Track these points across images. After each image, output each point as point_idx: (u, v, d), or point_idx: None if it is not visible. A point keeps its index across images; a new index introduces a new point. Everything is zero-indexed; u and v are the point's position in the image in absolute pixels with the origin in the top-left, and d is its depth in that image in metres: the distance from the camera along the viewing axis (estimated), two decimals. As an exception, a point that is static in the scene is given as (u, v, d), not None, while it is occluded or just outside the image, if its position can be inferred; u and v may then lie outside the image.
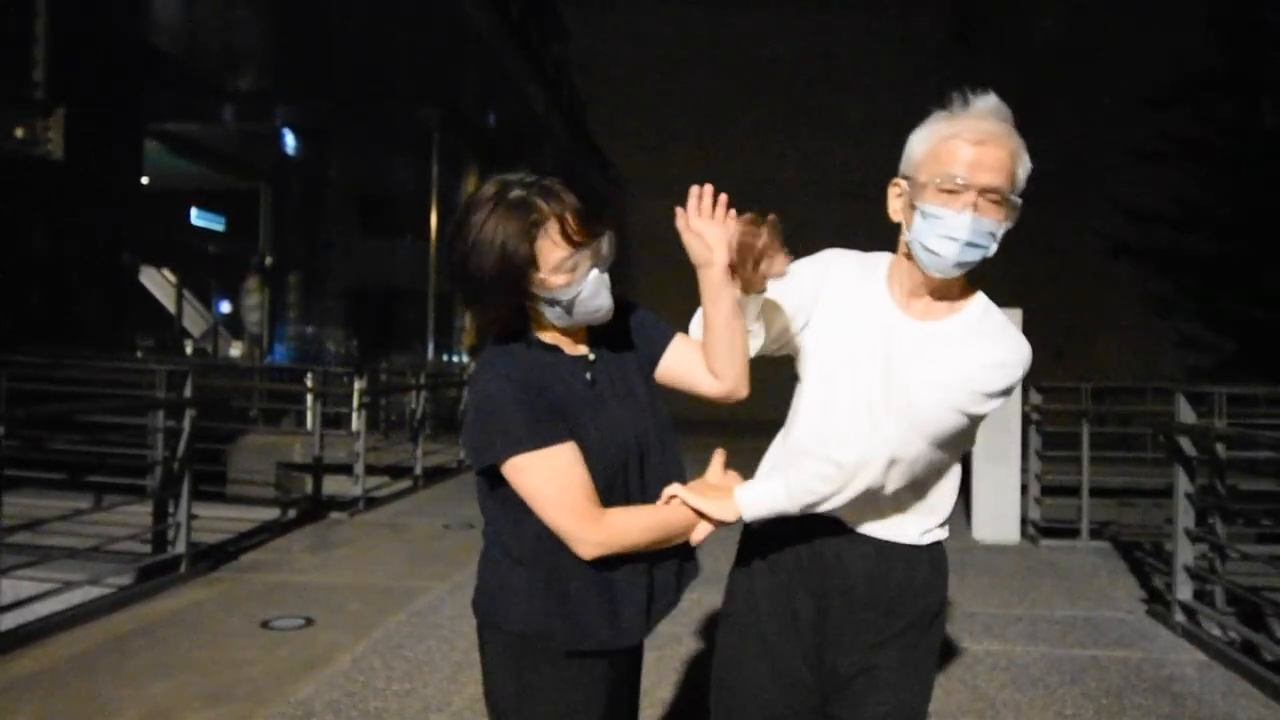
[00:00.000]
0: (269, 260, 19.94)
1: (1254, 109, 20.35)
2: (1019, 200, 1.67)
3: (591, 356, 1.72)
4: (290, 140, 19.83)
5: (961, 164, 1.62)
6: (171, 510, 5.51)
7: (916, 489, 1.74)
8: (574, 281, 1.58)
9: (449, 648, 4.34)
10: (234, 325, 21.17)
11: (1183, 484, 4.95)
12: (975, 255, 1.65)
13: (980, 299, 1.77)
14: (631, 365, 1.76)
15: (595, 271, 1.60)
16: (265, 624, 4.64)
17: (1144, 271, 22.06)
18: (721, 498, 1.70)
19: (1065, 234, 24.27)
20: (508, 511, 1.68)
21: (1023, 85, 25.84)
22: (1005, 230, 1.68)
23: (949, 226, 1.62)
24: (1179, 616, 4.83)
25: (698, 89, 27.48)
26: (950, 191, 1.62)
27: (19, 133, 10.03)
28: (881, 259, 1.81)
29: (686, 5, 28.00)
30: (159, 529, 5.52)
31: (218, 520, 6.50)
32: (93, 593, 4.85)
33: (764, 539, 1.86)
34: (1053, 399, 7.72)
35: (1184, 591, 4.88)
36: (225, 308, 21.54)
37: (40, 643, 4.21)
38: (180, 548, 5.41)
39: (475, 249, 1.57)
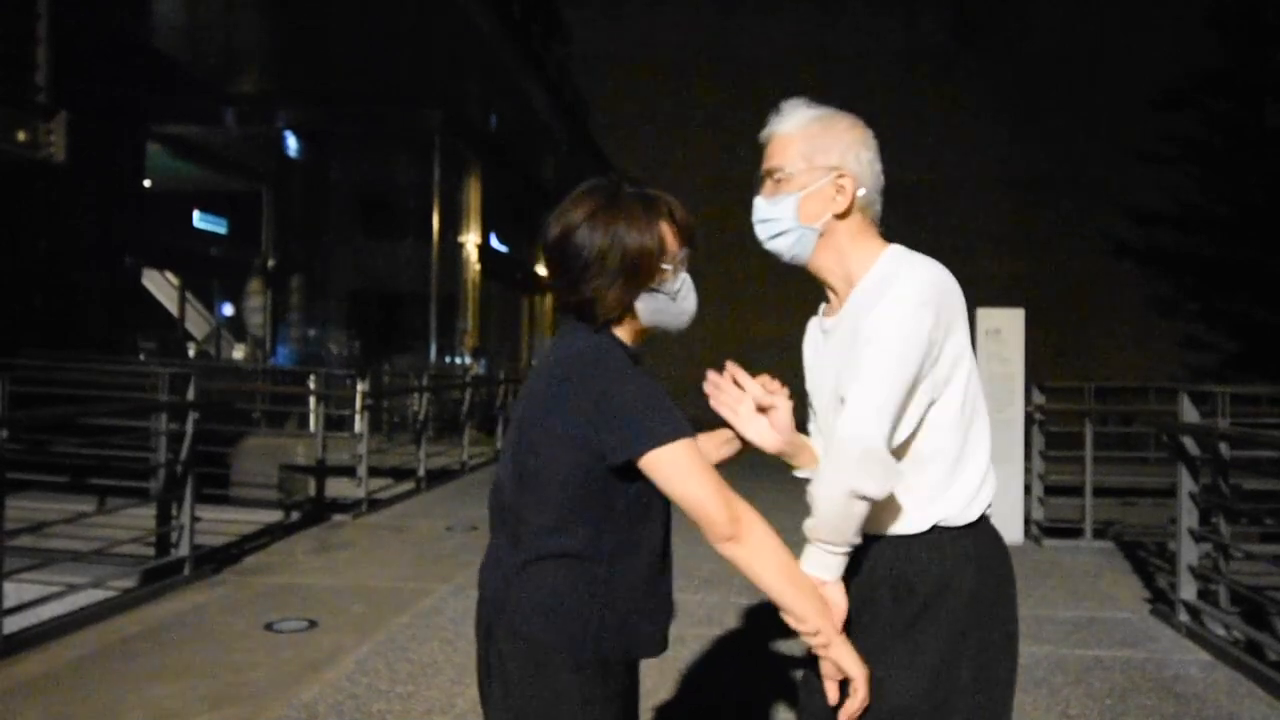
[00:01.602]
0: (271, 262, 19.96)
1: (1255, 109, 20.33)
2: (808, 169, 1.78)
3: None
4: (292, 142, 19.85)
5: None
6: (174, 513, 5.52)
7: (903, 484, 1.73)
8: (678, 278, 1.73)
9: (452, 649, 4.34)
10: (236, 328, 21.18)
11: (1186, 483, 4.95)
12: (774, 229, 1.81)
13: (871, 273, 1.79)
14: None
15: (687, 276, 1.76)
16: (268, 626, 4.64)
17: (1146, 271, 22.06)
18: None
19: (1067, 234, 24.29)
20: (588, 514, 1.64)
21: (1024, 86, 25.88)
22: (797, 197, 1.78)
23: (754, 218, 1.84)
24: (1183, 616, 4.82)
25: (699, 90, 27.49)
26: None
27: (21, 136, 10.03)
28: None
29: (688, 6, 28.01)
30: (162, 532, 5.52)
31: (221, 523, 6.51)
32: (96, 596, 4.86)
33: None
34: (1056, 399, 7.72)
35: (1188, 591, 4.87)
36: (228, 310, 21.55)
37: (44, 646, 4.21)
38: (183, 550, 5.42)
39: (616, 239, 1.66)
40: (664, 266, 1.69)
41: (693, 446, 1.59)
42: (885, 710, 1.68)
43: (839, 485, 1.64)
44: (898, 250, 1.79)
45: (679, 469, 1.58)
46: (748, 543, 1.61)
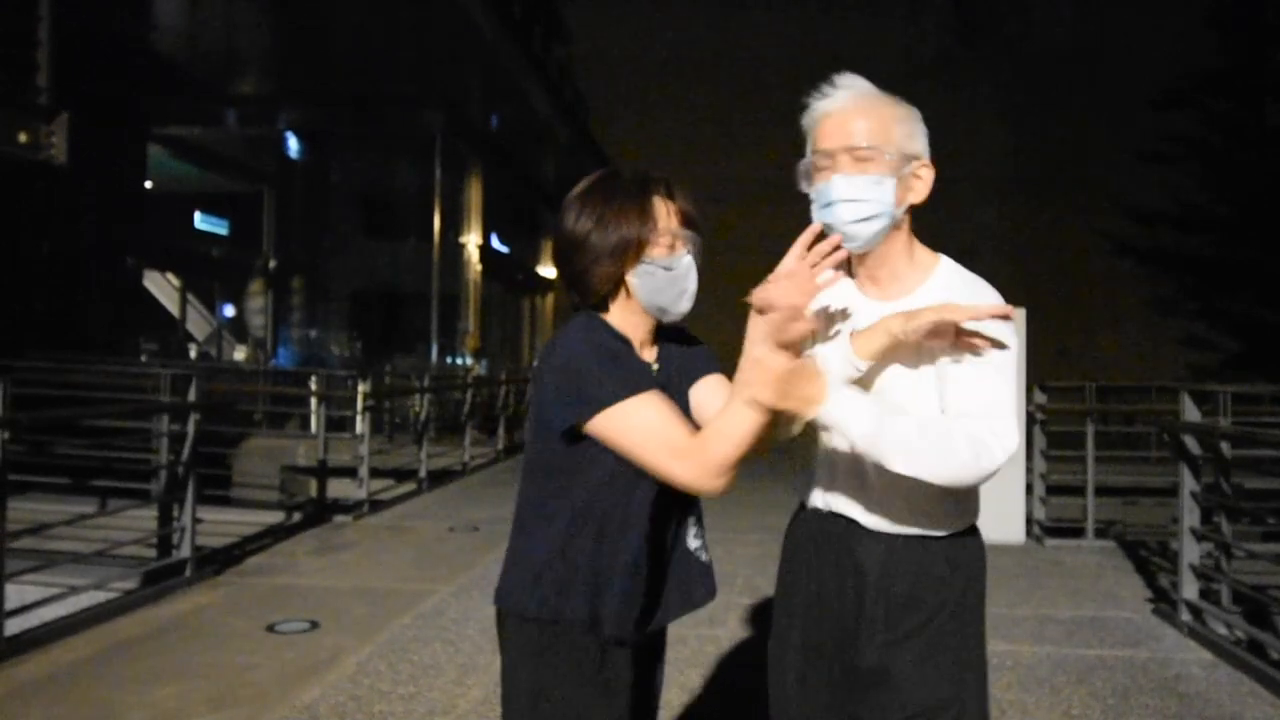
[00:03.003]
0: (272, 263, 19.98)
1: (1255, 109, 20.33)
2: (899, 154, 1.69)
3: (656, 367, 1.77)
4: (293, 144, 19.87)
5: (814, 144, 1.73)
6: (176, 514, 5.52)
7: (915, 480, 1.64)
8: (675, 256, 1.70)
9: (454, 650, 4.34)
10: (238, 329, 21.20)
11: (1188, 483, 4.94)
12: (866, 211, 1.67)
13: (941, 270, 1.78)
14: (681, 391, 1.80)
15: (690, 258, 1.73)
16: (270, 628, 4.64)
17: (1147, 271, 22.06)
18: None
19: (1069, 234, 24.31)
20: (551, 484, 1.68)
21: (1024, 86, 25.92)
22: (893, 184, 1.69)
23: (821, 196, 1.69)
24: (1185, 616, 4.82)
25: (700, 90, 27.52)
26: (817, 169, 1.72)
27: (22, 137, 10.04)
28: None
29: (688, 7, 28.02)
30: (164, 533, 5.52)
31: (222, 524, 6.51)
32: (98, 597, 4.85)
33: (793, 536, 1.90)
34: (1057, 398, 7.72)
35: (1190, 590, 4.87)
36: (229, 311, 21.57)
37: (45, 647, 4.21)
38: (185, 552, 5.41)
39: (602, 218, 1.68)
40: (656, 241, 1.69)
41: (637, 403, 1.58)
42: (914, 705, 1.70)
43: (952, 469, 1.58)
44: (946, 258, 1.81)
45: (615, 430, 1.59)
46: (722, 464, 1.54)
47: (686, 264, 1.72)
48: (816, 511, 1.83)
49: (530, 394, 1.75)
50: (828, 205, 1.67)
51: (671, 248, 1.70)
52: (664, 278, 1.70)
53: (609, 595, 1.64)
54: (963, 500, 1.77)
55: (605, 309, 1.74)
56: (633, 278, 1.70)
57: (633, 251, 1.68)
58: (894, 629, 1.72)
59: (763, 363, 1.52)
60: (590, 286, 1.71)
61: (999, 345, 1.64)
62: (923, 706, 1.70)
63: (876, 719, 1.72)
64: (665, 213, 1.71)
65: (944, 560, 1.76)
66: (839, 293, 1.77)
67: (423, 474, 9.31)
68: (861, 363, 1.65)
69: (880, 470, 1.62)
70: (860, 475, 1.74)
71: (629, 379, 1.61)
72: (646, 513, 1.67)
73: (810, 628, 1.82)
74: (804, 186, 1.74)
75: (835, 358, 1.66)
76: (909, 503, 1.72)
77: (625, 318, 1.74)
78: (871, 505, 1.75)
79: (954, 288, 1.72)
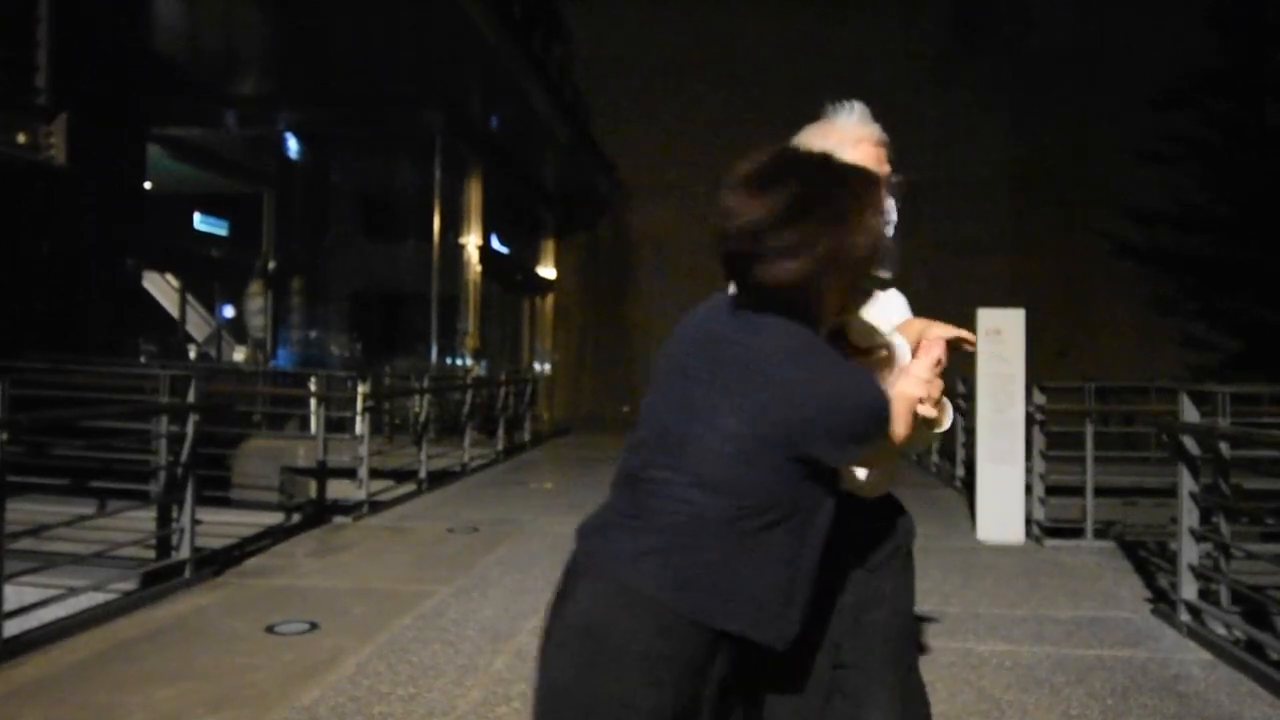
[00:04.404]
0: (272, 264, 19.97)
1: (1255, 109, 20.32)
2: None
3: None
4: (293, 144, 19.86)
5: (874, 162, 1.93)
6: (175, 515, 5.52)
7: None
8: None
9: (454, 651, 4.34)
10: (237, 330, 21.20)
11: (1187, 483, 4.94)
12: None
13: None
14: None
15: None
16: (270, 629, 4.64)
17: (1147, 271, 22.04)
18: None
19: (1068, 234, 24.30)
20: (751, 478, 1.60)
21: (1024, 86, 25.89)
22: None
23: (891, 215, 1.89)
24: (1184, 616, 4.82)
25: (700, 91, 27.49)
26: None
27: (22, 138, 10.04)
28: None
29: (688, 6, 28.00)
30: (163, 534, 5.52)
31: (222, 525, 6.50)
32: (97, 598, 4.85)
33: None
34: (1056, 399, 7.72)
35: (1189, 591, 4.87)
36: (229, 312, 21.57)
37: (44, 649, 4.21)
38: (184, 553, 5.42)
39: (867, 224, 1.63)
40: None
41: None
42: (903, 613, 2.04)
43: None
44: None
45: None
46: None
47: None
48: None
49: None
50: (889, 224, 1.88)
51: None
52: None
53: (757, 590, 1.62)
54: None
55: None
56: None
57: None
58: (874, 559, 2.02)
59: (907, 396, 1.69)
60: (847, 303, 1.80)
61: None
62: (901, 610, 2.03)
63: (858, 634, 1.97)
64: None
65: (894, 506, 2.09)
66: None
67: (422, 475, 9.31)
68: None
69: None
70: None
71: None
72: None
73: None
74: (896, 199, 1.92)
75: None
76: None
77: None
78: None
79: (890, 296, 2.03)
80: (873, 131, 1.97)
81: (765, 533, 1.58)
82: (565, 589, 1.68)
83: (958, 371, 8.54)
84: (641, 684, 1.56)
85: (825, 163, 1.66)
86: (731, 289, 1.69)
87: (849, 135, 1.94)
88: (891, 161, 1.97)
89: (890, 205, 1.85)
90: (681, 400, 1.65)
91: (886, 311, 1.97)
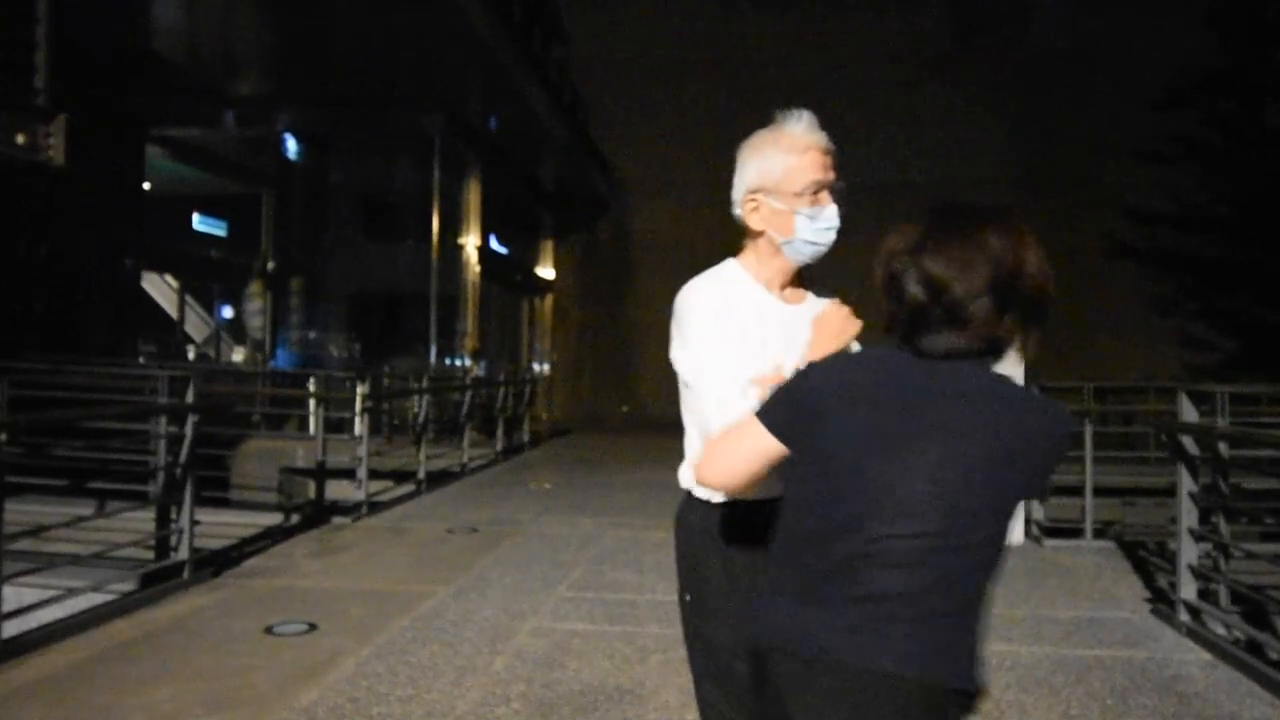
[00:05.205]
0: (271, 265, 19.97)
1: (1255, 109, 20.31)
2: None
3: None
4: (292, 145, 19.86)
5: (820, 170, 2.00)
6: (174, 516, 5.51)
7: None
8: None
9: (453, 652, 4.33)
10: (236, 330, 21.20)
11: (1186, 483, 4.94)
12: (835, 237, 2.04)
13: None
14: None
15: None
16: (268, 630, 4.64)
17: (1146, 271, 22.03)
18: None
19: (1067, 233, 24.26)
20: None
21: (1023, 86, 25.89)
22: None
23: (828, 219, 2.01)
24: (1183, 616, 4.81)
25: (699, 92, 27.48)
26: (819, 192, 2.00)
27: (20, 139, 10.03)
28: (729, 264, 2.11)
29: (688, 8, 28.01)
30: (162, 535, 5.52)
31: (221, 526, 6.50)
32: (95, 599, 4.85)
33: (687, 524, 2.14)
34: (1055, 399, 7.70)
35: (1188, 591, 4.87)
36: (228, 313, 21.58)
37: (43, 650, 4.21)
38: (183, 553, 5.41)
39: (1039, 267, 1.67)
40: None
41: (739, 425, 1.66)
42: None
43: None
44: None
45: None
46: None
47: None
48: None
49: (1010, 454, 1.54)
50: (828, 228, 2.00)
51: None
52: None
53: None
54: None
55: None
56: None
57: None
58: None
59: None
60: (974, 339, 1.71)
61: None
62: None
63: None
64: None
65: None
66: (749, 296, 2.05)
67: (421, 475, 9.31)
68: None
69: None
70: None
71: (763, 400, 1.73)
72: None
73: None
74: (791, 203, 1.99)
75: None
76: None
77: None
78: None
79: (818, 296, 2.10)
80: (819, 139, 2.02)
81: None
82: None
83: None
84: None
85: (1001, 218, 1.64)
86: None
87: (797, 143, 2.00)
88: (836, 169, 2.02)
89: (833, 211, 1.99)
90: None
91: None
